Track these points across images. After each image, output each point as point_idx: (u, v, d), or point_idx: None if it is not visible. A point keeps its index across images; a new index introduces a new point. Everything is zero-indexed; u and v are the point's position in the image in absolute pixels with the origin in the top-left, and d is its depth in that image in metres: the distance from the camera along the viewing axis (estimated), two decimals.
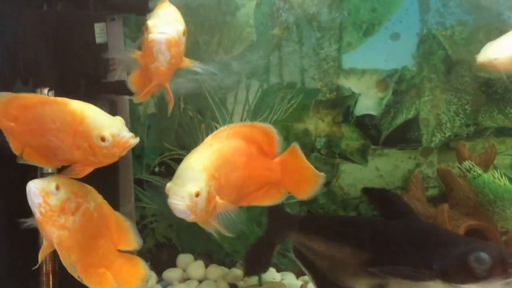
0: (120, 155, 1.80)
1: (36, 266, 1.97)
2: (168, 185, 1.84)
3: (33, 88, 2.20)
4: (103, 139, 1.75)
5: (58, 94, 2.20)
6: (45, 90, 2.18)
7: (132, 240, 2.05)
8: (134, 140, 1.79)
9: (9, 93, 1.84)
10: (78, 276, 1.89)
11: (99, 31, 2.32)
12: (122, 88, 2.40)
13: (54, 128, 1.80)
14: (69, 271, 1.87)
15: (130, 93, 2.39)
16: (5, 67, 2.22)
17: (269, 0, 2.74)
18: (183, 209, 1.79)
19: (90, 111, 1.80)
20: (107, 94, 2.44)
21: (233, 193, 1.94)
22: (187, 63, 2.04)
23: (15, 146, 1.89)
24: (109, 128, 1.76)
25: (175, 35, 1.87)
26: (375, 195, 2.44)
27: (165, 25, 1.89)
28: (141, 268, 2.04)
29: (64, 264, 1.87)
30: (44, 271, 2.16)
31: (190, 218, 1.83)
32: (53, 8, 2.30)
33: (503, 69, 1.81)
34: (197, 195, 1.79)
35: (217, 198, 1.86)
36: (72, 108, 1.79)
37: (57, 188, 1.81)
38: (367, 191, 2.57)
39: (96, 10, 2.39)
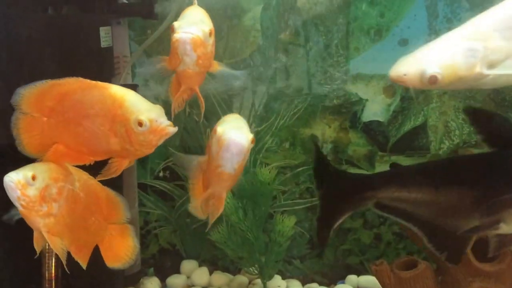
0: (156, 144, 1.76)
1: (36, 256, 1.97)
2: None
3: None
4: (140, 124, 1.71)
5: None
6: None
7: (122, 214, 2.06)
8: (172, 129, 1.74)
9: (44, 81, 1.81)
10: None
11: (105, 35, 2.34)
12: None
13: (92, 113, 1.77)
14: (60, 257, 1.89)
15: None
16: (9, 71, 2.23)
17: (276, 5, 2.74)
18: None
19: (131, 95, 1.78)
20: None
21: None
22: (217, 66, 2.00)
23: (39, 144, 1.85)
24: (147, 113, 1.73)
25: (200, 34, 1.82)
26: (480, 118, 2.19)
27: (190, 25, 1.85)
28: (131, 239, 2.07)
29: (56, 251, 1.89)
30: (47, 278, 2.18)
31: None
32: (59, 12, 2.31)
33: (411, 85, 1.80)
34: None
35: None
36: (113, 92, 1.77)
37: (33, 178, 1.79)
38: (469, 112, 2.35)
39: (101, 14, 2.40)
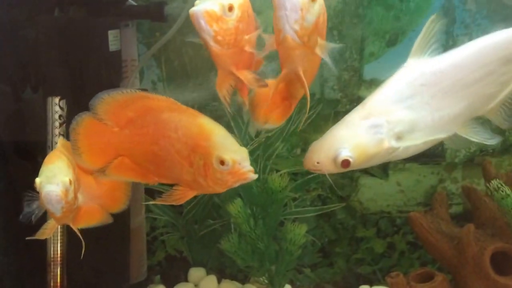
0: (231, 186, 1.72)
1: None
2: None
3: (43, 96, 2.22)
4: (222, 162, 1.67)
5: (69, 103, 2.22)
6: (56, 99, 2.18)
7: None
8: (252, 175, 1.69)
9: (131, 90, 1.78)
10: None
11: (113, 39, 2.33)
12: None
13: (174, 136, 1.72)
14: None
15: None
16: (15, 74, 2.25)
17: None
18: None
19: (220, 130, 1.73)
20: None
21: None
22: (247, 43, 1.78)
23: (99, 154, 1.81)
24: (232, 153, 1.69)
25: (214, 8, 1.67)
26: None
27: (205, 1, 1.71)
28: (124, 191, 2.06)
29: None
30: (52, 287, 2.18)
31: None
32: (66, 14, 2.30)
33: (327, 171, 1.82)
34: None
35: None
36: (202, 122, 1.73)
37: (70, 183, 1.79)
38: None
39: (110, 17, 2.39)
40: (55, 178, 1.77)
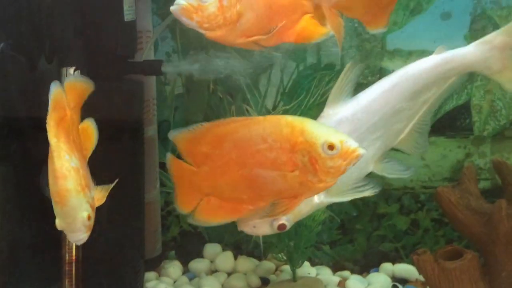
0: (344, 171, 1.66)
1: None
2: None
3: (58, 67, 2.18)
4: (331, 147, 1.62)
5: (84, 73, 2.18)
6: (71, 70, 2.16)
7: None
8: (363, 151, 1.64)
9: (199, 124, 1.73)
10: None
11: (128, 8, 2.30)
12: (150, 69, 2.40)
13: (264, 148, 1.66)
14: None
15: (159, 73, 2.39)
16: (29, 44, 2.20)
17: None
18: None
19: (309, 121, 1.70)
20: (134, 74, 2.42)
21: None
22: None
23: (191, 198, 1.77)
24: (336, 135, 1.65)
25: (189, 0, 1.73)
26: None
27: None
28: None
29: None
30: (67, 261, 2.17)
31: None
32: None
33: (262, 233, 1.89)
34: None
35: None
36: (287, 120, 1.69)
37: (89, 217, 1.77)
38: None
39: None
40: (75, 222, 1.75)
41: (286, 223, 1.85)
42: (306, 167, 1.64)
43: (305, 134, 1.65)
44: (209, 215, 1.77)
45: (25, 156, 2.28)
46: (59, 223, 1.76)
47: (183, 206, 1.78)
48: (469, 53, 1.92)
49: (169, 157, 1.77)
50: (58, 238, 2.16)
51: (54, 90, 1.78)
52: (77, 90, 1.89)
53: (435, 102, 2.02)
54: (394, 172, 2.03)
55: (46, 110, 1.77)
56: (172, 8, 1.71)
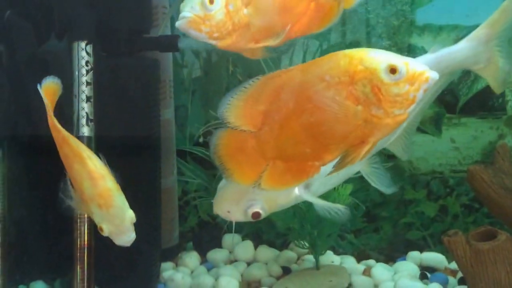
0: (413, 100, 1.47)
1: None
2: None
3: (69, 42, 2.12)
4: (394, 70, 1.45)
5: (96, 48, 2.13)
6: (83, 44, 2.08)
7: None
8: (434, 73, 1.47)
9: (252, 81, 1.59)
10: None
11: None
12: (166, 44, 2.32)
13: (322, 87, 1.52)
14: None
15: (175, 49, 2.31)
16: (40, 18, 2.17)
17: None
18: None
19: (368, 49, 1.55)
20: (150, 50, 2.35)
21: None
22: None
23: (255, 167, 1.65)
24: (399, 58, 1.49)
25: (195, 11, 1.66)
26: None
27: (183, 6, 1.69)
28: None
29: None
30: (79, 246, 2.10)
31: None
32: None
33: (235, 219, 1.87)
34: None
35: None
36: (345, 52, 1.54)
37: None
38: None
39: None
40: (124, 223, 1.70)
41: (261, 211, 1.84)
42: (369, 99, 1.48)
43: (364, 61, 1.49)
44: (276, 180, 1.64)
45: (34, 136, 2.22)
46: (107, 228, 1.69)
47: (245, 179, 1.65)
48: (460, 50, 1.85)
49: (220, 132, 1.64)
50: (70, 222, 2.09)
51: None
52: (54, 91, 1.83)
53: (427, 103, 1.98)
54: (377, 183, 1.98)
55: None
56: (178, 23, 1.65)
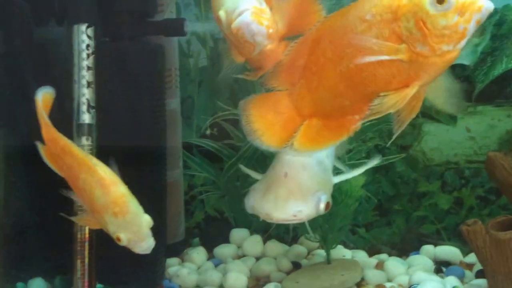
0: (464, 33, 1.32)
1: None
2: None
3: (69, 24, 2.06)
4: (441, 0, 1.32)
5: (97, 31, 2.07)
6: (83, 27, 2.00)
7: None
8: (486, 3, 1.33)
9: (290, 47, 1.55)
10: None
11: None
12: (171, 28, 2.28)
13: (363, 29, 1.40)
14: None
15: (182, 33, 2.24)
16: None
17: None
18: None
19: None
20: (154, 35, 2.28)
21: None
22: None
23: (288, 127, 1.57)
24: None
25: (254, 4, 1.65)
26: None
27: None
28: None
29: None
30: (79, 240, 2.04)
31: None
32: None
33: (307, 218, 1.78)
34: None
35: None
36: None
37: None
38: None
39: None
40: (142, 229, 1.66)
41: (330, 200, 1.79)
42: (413, 35, 1.34)
43: None
44: (312, 139, 1.54)
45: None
46: (125, 237, 1.64)
47: (276, 140, 1.57)
48: None
49: (249, 98, 1.57)
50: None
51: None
52: (48, 101, 1.82)
53: None
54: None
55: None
56: (239, 20, 1.58)
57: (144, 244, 1.64)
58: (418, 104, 1.44)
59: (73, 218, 1.86)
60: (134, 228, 1.62)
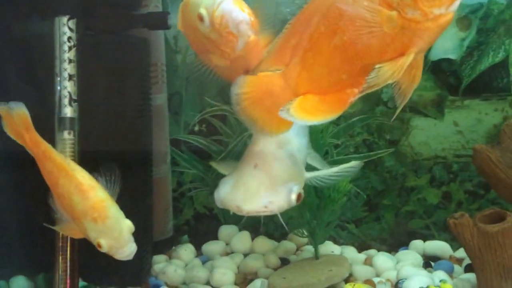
0: None
1: None
2: None
3: (51, 17, 2.03)
4: None
5: (80, 24, 2.05)
6: (64, 19, 1.98)
7: None
8: None
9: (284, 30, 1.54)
10: None
11: None
12: (155, 21, 2.25)
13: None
14: None
15: (165, 27, 2.21)
16: None
17: None
18: None
19: None
20: (138, 28, 2.25)
21: None
22: None
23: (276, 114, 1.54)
24: None
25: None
26: None
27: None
28: None
29: None
30: (61, 235, 2.00)
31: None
32: None
33: (279, 210, 1.74)
34: None
35: None
36: None
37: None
38: None
39: None
40: (123, 234, 1.64)
41: (301, 192, 1.77)
42: (403, 1, 1.31)
43: None
44: (309, 110, 1.49)
45: None
46: (105, 243, 1.62)
47: (279, 126, 1.56)
48: None
49: (241, 79, 1.53)
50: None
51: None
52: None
53: None
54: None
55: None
56: (221, 7, 1.56)
57: (126, 250, 1.62)
58: (418, 73, 1.42)
59: (56, 228, 1.83)
60: (115, 233, 1.60)
